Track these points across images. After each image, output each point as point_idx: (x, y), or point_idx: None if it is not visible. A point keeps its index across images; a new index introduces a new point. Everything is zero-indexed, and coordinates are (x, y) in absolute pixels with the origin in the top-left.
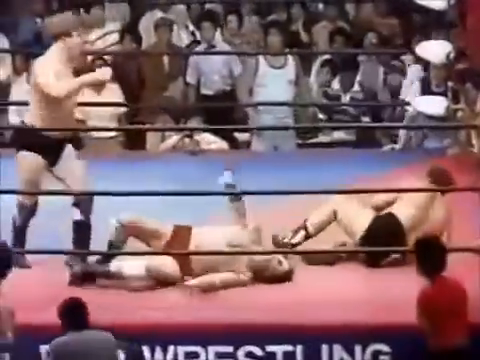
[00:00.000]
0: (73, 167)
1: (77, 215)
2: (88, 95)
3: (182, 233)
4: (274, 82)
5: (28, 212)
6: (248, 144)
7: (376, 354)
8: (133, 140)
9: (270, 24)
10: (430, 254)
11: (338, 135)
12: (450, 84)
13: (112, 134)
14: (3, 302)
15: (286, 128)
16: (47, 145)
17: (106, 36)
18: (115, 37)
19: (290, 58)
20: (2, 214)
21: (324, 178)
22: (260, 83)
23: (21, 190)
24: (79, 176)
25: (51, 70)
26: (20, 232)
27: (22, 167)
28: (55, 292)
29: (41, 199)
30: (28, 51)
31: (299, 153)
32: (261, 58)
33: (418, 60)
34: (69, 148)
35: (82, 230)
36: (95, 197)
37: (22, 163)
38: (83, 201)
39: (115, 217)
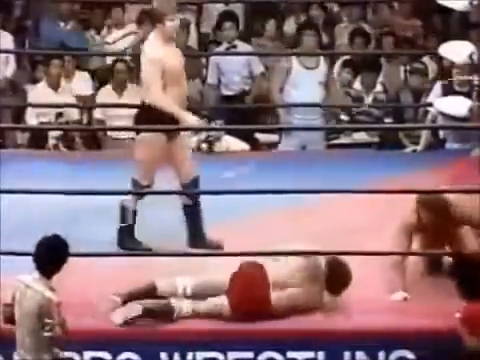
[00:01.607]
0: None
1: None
2: (109, 96)
3: (256, 270)
4: (306, 83)
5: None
6: (271, 145)
7: None
8: None
9: (305, 25)
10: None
11: (359, 136)
12: (476, 83)
13: (131, 134)
14: (55, 297)
15: (309, 129)
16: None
17: (126, 37)
18: (134, 38)
19: (322, 59)
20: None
21: (347, 177)
22: (292, 83)
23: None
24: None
25: (157, 73)
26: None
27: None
28: None
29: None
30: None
31: (324, 153)
32: (294, 59)
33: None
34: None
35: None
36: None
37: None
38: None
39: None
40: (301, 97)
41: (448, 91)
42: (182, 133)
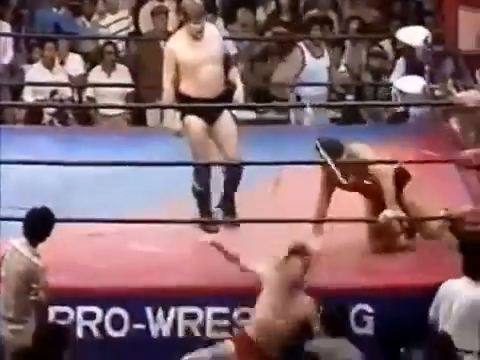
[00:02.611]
0: (229, 131)
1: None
2: (99, 76)
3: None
4: (317, 70)
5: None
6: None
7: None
8: (136, 118)
9: (313, 20)
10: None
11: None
12: (427, 67)
13: (120, 111)
14: (41, 263)
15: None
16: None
17: (118, 21)
18: (125, 23)
19: (325, 49)
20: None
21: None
22: (308, 70)
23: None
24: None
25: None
26: (201, 196)
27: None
28: None
29: None
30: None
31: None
32: (305, 50)
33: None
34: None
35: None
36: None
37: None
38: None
39: None
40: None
41: (408, 72)
42: (223, 115)
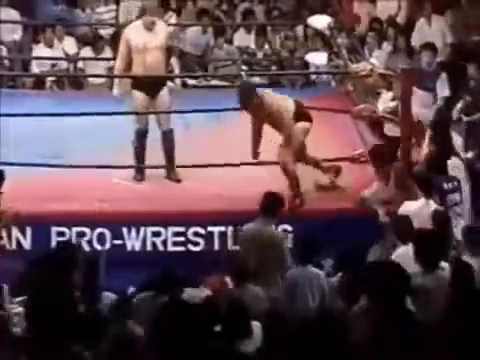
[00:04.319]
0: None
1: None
2: (88, 54)
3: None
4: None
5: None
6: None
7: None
8: None
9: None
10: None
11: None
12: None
13: (103, 81)
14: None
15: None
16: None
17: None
18: (113, 13)
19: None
20: None
21: None
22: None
23: None
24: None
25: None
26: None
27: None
28: None
29: None
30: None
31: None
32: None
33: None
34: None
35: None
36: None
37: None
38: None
39: None
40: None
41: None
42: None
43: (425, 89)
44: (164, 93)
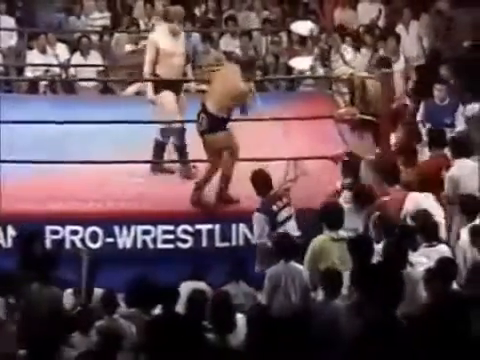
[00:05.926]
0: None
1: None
2: (78, 59)
3: None
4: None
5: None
6: None
7: None
8: (105, 89)
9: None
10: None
11: None
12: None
13: (94, 84)
14: None
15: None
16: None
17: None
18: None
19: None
20: None
21: None
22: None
23: None
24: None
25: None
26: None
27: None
28: None
29: None
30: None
31: None
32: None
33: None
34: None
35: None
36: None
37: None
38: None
39: None
40: None
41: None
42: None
43: (441, 125)
44: (183, 94)
